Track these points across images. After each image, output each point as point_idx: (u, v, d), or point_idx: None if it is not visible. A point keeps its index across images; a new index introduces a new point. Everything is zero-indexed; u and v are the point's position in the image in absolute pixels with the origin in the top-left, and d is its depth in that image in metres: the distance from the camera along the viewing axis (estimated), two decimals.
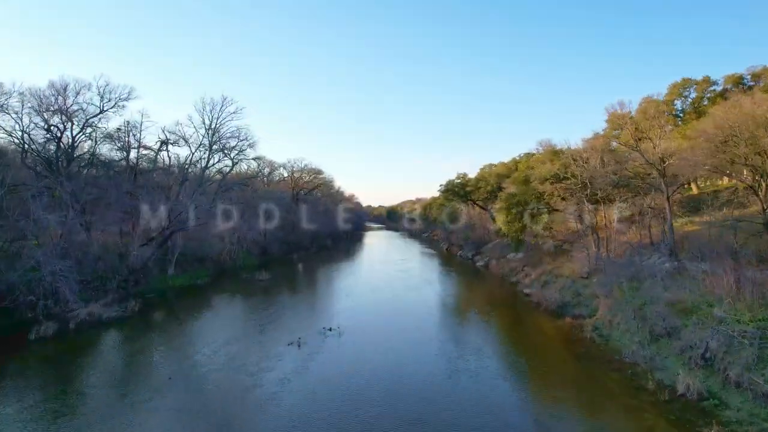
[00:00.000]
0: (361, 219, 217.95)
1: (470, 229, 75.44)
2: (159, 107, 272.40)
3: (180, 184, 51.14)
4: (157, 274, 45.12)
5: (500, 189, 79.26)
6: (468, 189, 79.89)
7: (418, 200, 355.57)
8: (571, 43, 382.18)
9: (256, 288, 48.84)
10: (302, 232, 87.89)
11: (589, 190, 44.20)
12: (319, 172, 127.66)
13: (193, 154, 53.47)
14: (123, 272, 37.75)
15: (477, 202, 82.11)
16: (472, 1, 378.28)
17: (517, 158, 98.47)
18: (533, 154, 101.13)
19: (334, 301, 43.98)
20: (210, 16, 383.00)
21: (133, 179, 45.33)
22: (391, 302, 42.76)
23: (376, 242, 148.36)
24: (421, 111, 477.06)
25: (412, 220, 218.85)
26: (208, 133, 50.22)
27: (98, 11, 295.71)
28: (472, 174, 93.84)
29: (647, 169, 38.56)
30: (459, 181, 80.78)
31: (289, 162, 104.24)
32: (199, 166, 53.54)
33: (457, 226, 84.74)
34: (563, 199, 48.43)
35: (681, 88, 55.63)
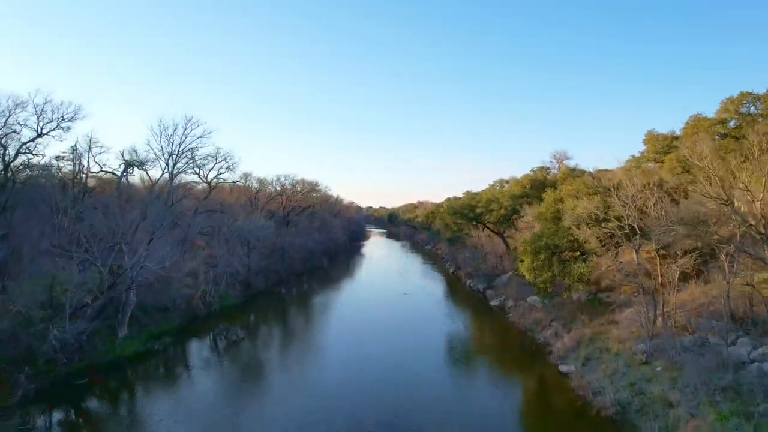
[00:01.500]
0: (361, 227, 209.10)
1: (482, 259, 66.62)
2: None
3: (139, 219, 42.30)
4: (104, 340, 36.37)
5: (515, 212, 70.55)
6: (478, 211, 70.99)
7: (420, 204, 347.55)
8: (586, 48, 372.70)
9: (228, 352, 40.05)
10: (294, 256, 79.08)
11: (639, 238, 35.33)
12: (314, 185, 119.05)
13: (155, 182, 44.66)
14: (46, 352, 29.00)
15: (488, 225, 73.27)
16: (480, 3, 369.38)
17: (531, 173, 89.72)
18: (547, 168, 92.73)
19: (323, 369, 35.27)
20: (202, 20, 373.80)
21: (74, 220, 36.70)
22: (394, 371, 34.11)
23: (376, 256, 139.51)
24: (423, 110, 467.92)
25: (414, 228, 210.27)
26: (168, 163, 41.64)
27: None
28: (479, 186, 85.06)
29: (738, 224, 29.47)
30: (468, 202, 71.81)
31: (279, 179, 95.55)
32: (162, 197, 44.86)
33: (467, 254, 75.93)
34: (603, 245, 39.55)
35: (738, 104, 46.06)
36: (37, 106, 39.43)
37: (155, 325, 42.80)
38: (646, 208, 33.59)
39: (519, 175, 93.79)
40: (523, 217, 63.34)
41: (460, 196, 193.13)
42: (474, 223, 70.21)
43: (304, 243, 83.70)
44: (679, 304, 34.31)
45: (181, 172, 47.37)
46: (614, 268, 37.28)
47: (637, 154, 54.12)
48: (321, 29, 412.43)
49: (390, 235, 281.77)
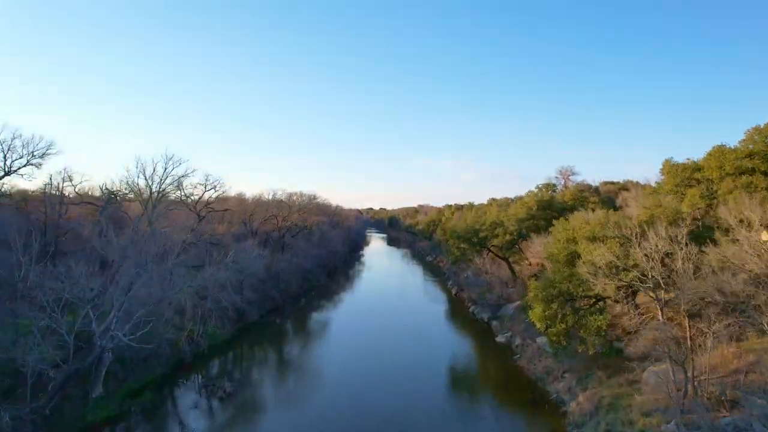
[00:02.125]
0: (361, 235, 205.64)
1: (487, 288, 63.14)
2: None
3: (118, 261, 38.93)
4: (74, 405, 33.00)
5: (521, 236, 67.18)
6: (482, 235, 67.50)
7: (421, 208, 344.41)
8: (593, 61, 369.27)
9: (215, 414, 36.68)
10: (290, 279, 75.62)
11: (664, 293, 31.87)
12: (312, 197, 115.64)
13: (135, 224, 41.27)
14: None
15: (493, 250, 69.83)
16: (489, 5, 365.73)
17: (536, 190, 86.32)
18: (554, 186, 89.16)
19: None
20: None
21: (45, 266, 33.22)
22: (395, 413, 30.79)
23: (376, 268, 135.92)
24: (423, 110, 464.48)
25: (415, 235, 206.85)
26: (147, 204, 38.22)
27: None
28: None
29: None
30: (472, 225, 68.25)
31: (275, 193, 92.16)
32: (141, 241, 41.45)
33: (470, 274, 72.47)
34: (623, 294, 36.09)
35: (766, 134, 42.10)
36: (4, 142, 36.13)
37: (135, 378, 39.39)
38: (672, 262, 30.12)
39: (523, 185, 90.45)
40: (530, 241, 59.97)
41: (462, 203, 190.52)
42: (479, 247, 66.77)
43: (301, 264, 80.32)
44: (711, 367, 30.88)
45: (170, 208, 44.09)
46: (635, 323, 33.79)
47: (654, 183, 50.68)
48: (321, 26, 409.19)
49: (391, 241, 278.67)
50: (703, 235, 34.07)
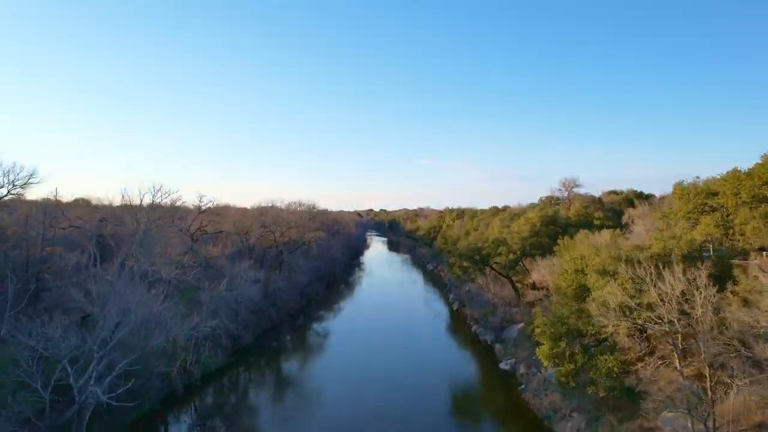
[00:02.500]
0: (361, 241, 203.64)
1: (490, 310, 61.13)
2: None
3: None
4: None
5: (525, 255, 65.27)
6: (485, 252, 65.52)
7: (421, 211, 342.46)
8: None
9: None
10: (288, 296, 73.61)
11: (681, 341, 29.89)
12: (312, 207, 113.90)
13: (128, 251, 39.30)
14: None
15: (496, 268, 67.82)
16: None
17: (539, 202, 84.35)
18: (557, 200, 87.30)
19: None
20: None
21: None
22: None
23: (376, 273, 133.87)
24: (423, 109, 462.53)
25: (415, 240, 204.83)
26: (135, 237, 36.31)
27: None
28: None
29: None
30: (474, 243, 66.22)
31: (275, 203, 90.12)
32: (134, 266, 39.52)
33: (471, 288, 70.48)
34: (639, 337, 34.13)
35: None
36: None
37: (122, 418, 37.50)
38: (691, 308, 28.08)
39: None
40: (535, 262, 58.03)
41: (463, 207, 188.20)
42: (482, 266, 64.74)
43: (299, 280, 78.34)
44: (732, 418, 28.91)
45: (161, 235, 42.23)
46: (650, 371, 31.73)
47: (665, 207, 48.68)
48: (321, 20, 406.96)
49: (391, 246, 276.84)
50: (722, 277, 32.04)
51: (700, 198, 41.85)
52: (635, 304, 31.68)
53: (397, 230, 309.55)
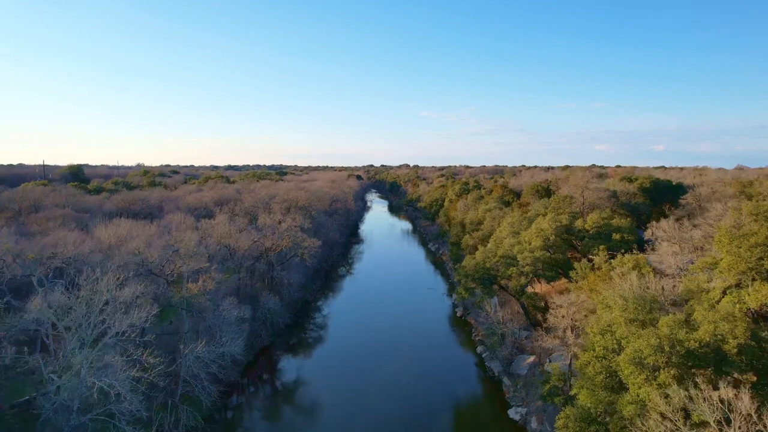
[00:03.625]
0: (360, 212, 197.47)
1: (498, 341, 55.77)
2: None
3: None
4: None
5: (537, 275, 59.43)
6: (493, 273, 59.50)
7: (422, 171, 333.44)
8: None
9: None
10: (281, 312, 68.08)
11: None
12: (310, 180, 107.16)
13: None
14: None
15: (504, 287, 62.04)
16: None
17: (552, 201, 77.49)
18: (571, 198, 79.88)
19: None
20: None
21: None
22: None
23: (377, 250, 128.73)
24: (426, 62, 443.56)
25: (416, 210, 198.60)
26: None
27: None
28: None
29: None
30: (482, 262, 59.90)
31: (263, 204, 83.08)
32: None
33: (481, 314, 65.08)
34: None
35: None
36: None
37: None
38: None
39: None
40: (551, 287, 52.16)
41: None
42: (490, 284, 58.79)
43: (292, 295, 72.69)
44: None
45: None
46: None
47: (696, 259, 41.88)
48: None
49: (392, 209, 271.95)
50: None
51: (757, 253, 35.04)
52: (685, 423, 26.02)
53: (398, 193, 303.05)
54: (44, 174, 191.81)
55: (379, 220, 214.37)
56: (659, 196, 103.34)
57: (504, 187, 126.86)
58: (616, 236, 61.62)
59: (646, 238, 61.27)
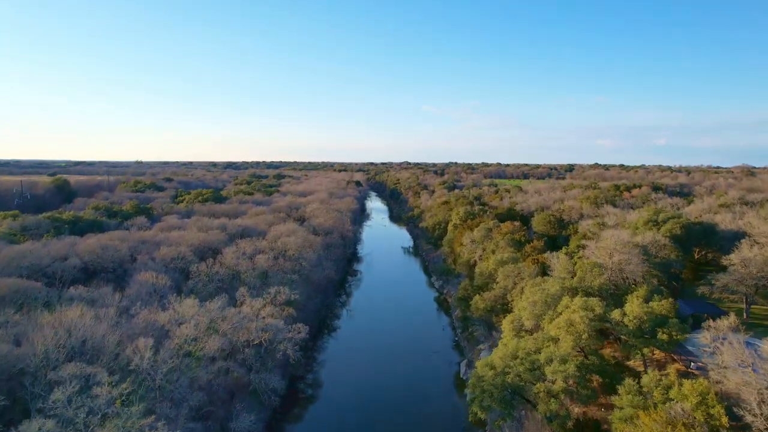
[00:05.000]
0: (358, 238, 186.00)
1: (508, 411, 44.59)
2: None
3: None
4: None
5: (570, 392, 48.30)
6: (516, 387, 48.40)
7: (424, 179, 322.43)
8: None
9: None
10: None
11: None
12: (302, 208, 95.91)
13: None
14: None
15: (529, 400, 50.85)
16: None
17: (579, 269, 66.24)
18: (600, 267, 68.52)
19: None
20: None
21: None
22: None
23: (376, 282, 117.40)
24: (428, 58, 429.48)
25: (415, 226, 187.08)
26: None
27: None
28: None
29: None
30: (504, 377, 48.62)
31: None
32: None
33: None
34: None
35: None
36: None
37: None
38: None
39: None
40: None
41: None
42: (511, 411, 47.74)
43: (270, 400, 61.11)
44: None
45: None
46: None
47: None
48: None
49: (392, 216, 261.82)
50: None
51: None
52: None
53: (399, 201, 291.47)
54: (22, 193, 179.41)
55: (379, 237, 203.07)
56: (690, 239, 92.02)
57: (513, 222, 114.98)
58: (663, 336, 50.57)
59: (702, 341, 50.02)
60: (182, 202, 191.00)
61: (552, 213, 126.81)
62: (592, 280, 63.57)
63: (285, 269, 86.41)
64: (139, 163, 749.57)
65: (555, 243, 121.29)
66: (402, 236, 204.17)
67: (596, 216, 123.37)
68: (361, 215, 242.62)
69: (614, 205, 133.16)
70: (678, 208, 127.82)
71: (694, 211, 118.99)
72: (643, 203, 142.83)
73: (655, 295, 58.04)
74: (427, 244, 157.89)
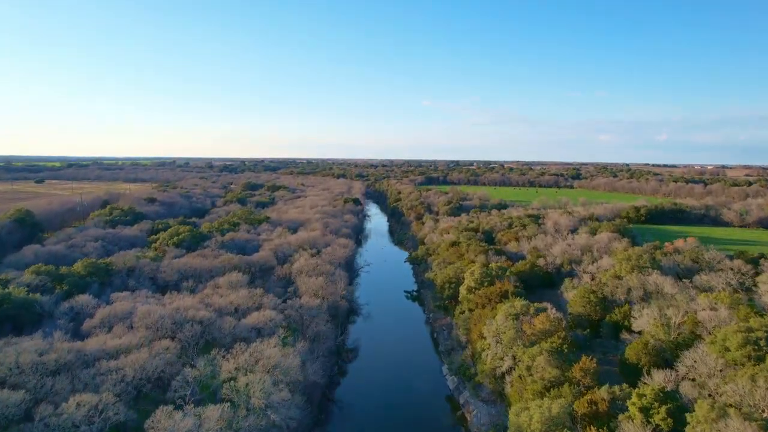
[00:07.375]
0: (357, 258, 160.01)
1: None
2: None
3: None
4: None
5: None
6: None
7: (427, 196, 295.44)
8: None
9: None
10: None
11: None
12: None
13: None
14: None
15: None
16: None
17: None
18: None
19: None
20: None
21: None
22: None
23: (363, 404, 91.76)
24: (429, 55, 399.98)
25: (418, 265, 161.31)
26: None
27: None
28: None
29: None
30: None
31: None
32: None
33: None
34: None
35: None
36: None
37: None
38: None
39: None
40: None
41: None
42: None
43: None
44: None
45: None
46: None
47: None
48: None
49: (392, 235, 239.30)
50: None
51: None
52: None
53: (401, 222, 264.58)
54: None
55: (378, 272, 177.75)
56: None
57: (549, 312, 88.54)
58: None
59: None
60: (156, 241, 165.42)
61: (592, 289, 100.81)
62: None
63: None
64: (134, 165, 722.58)
65: (598, 331, 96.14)
66: (404, 272, 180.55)
67: (646, 293, 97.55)
68: (357, 244, 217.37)
69: (662, 271, 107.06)
70: (743, 284, 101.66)
71: None
72: (696, 262, 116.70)
73: None
74: (435, 305, 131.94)
